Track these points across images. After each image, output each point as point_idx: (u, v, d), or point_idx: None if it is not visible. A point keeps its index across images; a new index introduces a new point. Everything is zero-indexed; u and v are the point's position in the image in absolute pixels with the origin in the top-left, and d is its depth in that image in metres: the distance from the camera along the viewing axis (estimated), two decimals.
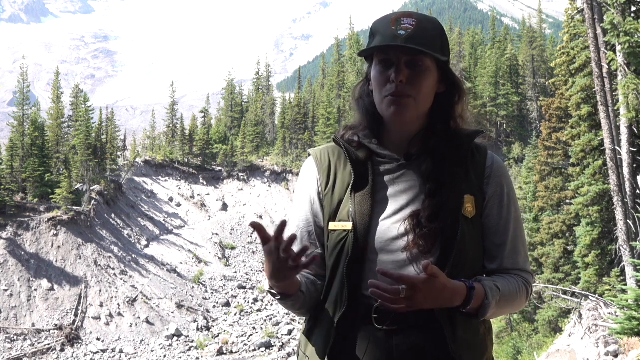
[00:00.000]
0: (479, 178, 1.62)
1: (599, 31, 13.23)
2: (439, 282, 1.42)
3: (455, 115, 1.65)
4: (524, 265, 1.65)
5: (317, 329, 1.63)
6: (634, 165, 13.30)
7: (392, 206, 1.59)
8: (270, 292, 1.58)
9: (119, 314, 29.01)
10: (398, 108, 1.55)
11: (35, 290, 28.03)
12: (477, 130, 1.66)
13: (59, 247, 30.35)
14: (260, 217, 43.22)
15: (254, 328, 29.83)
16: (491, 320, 1.68)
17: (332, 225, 1.62)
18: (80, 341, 26.83)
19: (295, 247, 1.67)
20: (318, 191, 1.68)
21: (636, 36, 12.22)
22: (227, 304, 32.93)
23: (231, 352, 27.29)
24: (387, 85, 1.55)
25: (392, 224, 1.56)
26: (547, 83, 45.43)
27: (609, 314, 11.27)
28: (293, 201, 1.75)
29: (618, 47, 12.55)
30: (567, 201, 21.33)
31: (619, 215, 12.61)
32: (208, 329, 29.94)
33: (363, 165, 1.63)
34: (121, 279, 31.12)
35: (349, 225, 1.58)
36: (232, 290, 34.60)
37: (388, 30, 1.55)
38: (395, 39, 1.53)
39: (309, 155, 1.75)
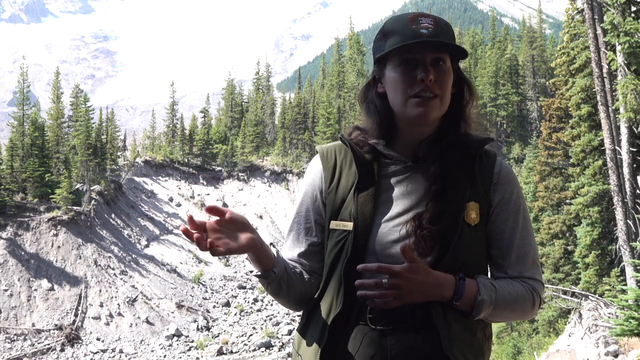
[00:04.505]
0: (486, 184, 1.60)
1: (599, 31, 13.23)
2: (421, 267, 1.43)
3: (466, 117, 1.63)
4: (531, 274, 1.61)
5: (310, 328, 1.62)
6: (634, 165, 13.30)
7: (395, 208, 1.58)
8: (254, 274, 1.61)
9: (119, 314, 29.01)
10: (426, 109, 1.53)
11: (35, 290, 28.03)
12: (487, 138, 1.64)
13: (59, 247, 30.35)
14: (260, 217, 43.24)
15: (254, 328, 29.83)
16: (492, 325, 1.67)
17: (333, 224, 1.61)
18: (80, 341, 26.83)
19: (290, 252, 1.70)
20: (322, 189, 1.67)
21: (636, 36, 12.22)
22: (227, 304, 32.93)
23: (231, 352, 27.29)
24: (413, 86, 1.53)
25: (393, 227, 1.56)
26: (547, 83, 45.45)
27: (609, 314, 11.28)
28: (297, 197, 1.76)
29: (618, 47, 12.56)
30: (567, 201, 21.33)
31: (619, 215, 12.61)
32: (208, 329, 29.94)
33: (368, 166, 1.61)
34: (121, 279, 31.12)
35: (349, 226, 1.57)
36: (232, 290, 34.61)
37: (408, 30, 1.53)
38: (419, 38, 1.51)
39: (317, 152, 1.74)
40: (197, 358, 26.70)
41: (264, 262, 1.55)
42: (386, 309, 1.46)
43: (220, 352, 27.04)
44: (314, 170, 1.71)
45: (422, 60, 1.53)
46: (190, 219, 1.43)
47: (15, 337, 25.83)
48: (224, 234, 1.47)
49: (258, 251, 1.52)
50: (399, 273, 1.40)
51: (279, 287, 1.60)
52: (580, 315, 12.24)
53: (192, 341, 28.33)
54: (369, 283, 1.42)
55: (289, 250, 1.70)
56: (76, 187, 34.43)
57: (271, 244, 1.60)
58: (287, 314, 30.65)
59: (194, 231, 1.43)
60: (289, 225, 1.72)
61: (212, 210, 1.46)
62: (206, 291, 33.73)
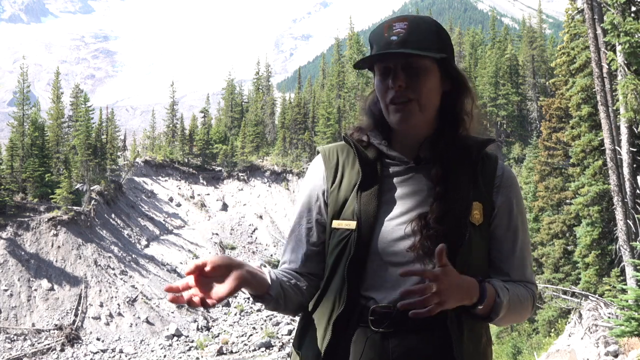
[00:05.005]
0: (488, 187, 1.60)
1: (599, 31, 13.23)
2: (453, 270, 1.40)
3: (463, 114, 1.63)
4: (530, 277, 1.64)
5: (311, 328, 1.62)
6: (634, 165, 13.30)
7: (398, 208, 1.57)
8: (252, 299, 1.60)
9: (119, 314, 29.01)
10: (403, 114, 1.54)
11: (35, 290, 28.03)
12: (488, 139, 1.64)
13: (59, 247, 30.35)
14: (260, 217, 43.23)
15: (254, 328, 29.84)
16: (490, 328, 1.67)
17: (336, 224, 1.60)
18: (80, 341, 26.83)
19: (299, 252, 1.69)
20: (324, 189, 1.67)
21: (636, 36, 12.23)
22: (227, 304, 32.92)
23: (231, 352, 27.30)
24: (388, 93, 1.55)
25: (397, 225, 1.55)
26: (547, 83, 45.45)
27: (609, 314, 11.28)
28: (297, 197, 1.76)
29: (618, 47, 12.56)
30: (567, 201, 21.33)
31: (619, 215, 12.61)
32: (208, 329, 29.95)
33: (372, 165, 1.62)
34: (121, 279, 31.12)
35: (352, 224, 1.56)
36: None
37: (382, 39, 1.55)
38: (388, 46, 1.52)
39: (319, 152, 1.74)
40: (197, 358, 26.71)
41: (258, 289, 1.53)
42: (427, 316, 1.38)
43: (220, 352, 27.04)
44: (316, 170, 1.71)
45: (394, 67, 1.54)
46: (170, 289, 1.39)
47: (15, 337, 25.83)
48: (212, 282, 1.42)
49: (249, 283, 1.49)
50: (439, 277, 1.36)
51: (277, 305, 1.59)
52: (580, 315, 12.24)
53: (192, 341, 28.34)
54: (418, 289, 1.36)
55: (292, 251, 1.69)
56: (76, 187, 34.42)
57: (262, 265, 1.58)
58: None
59: (179, 293, 1.39)
60: (291, 226, 1.72)
61: (192, 272, 1.40)
62: None
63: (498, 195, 1.61)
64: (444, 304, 1.38)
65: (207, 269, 1.41)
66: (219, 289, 1.41)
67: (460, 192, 1.56)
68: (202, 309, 27.26)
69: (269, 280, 1.56)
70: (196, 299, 1.38)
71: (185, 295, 1.39)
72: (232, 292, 1.43)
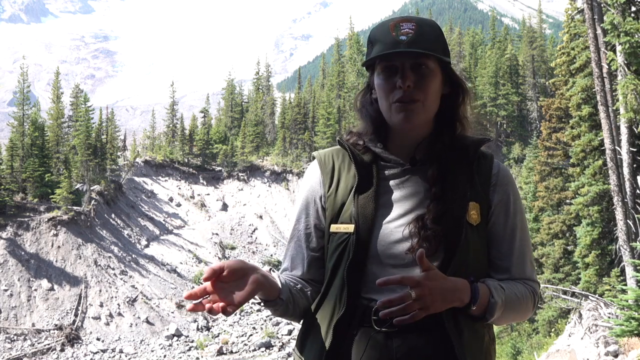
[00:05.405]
0: (485, 186, 1.61)
1: (599, 31, 13.23)
2: (438, 273, 1.41)
3: (461, 117, 1.64)
4: (531, 275, 1.63)
5: (313, 331, 1.62)
6: (634, 165, 13.31)
7: (396, 210, 1.58)
8: (263, 304, 1.59)
9: (119, 314, 29.01)
10: (407, 114, 1.54)
11: (35, 290, 28.03)
12: (483, 138, 1.65)
13: (59, 247, 30.35)
14: (260, 217, 43.23)
15: (254, 328, 29.84)
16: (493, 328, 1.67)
17: (334, 228, 1.61)
18: (80, 341, 26.83)
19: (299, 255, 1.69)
20: (321, 194, 1.67)
21: (636, 36, 12.23)
22: None
23: (231, 352, 27.30)
24: (394, 92, 1.54)
25: (395, 227, 1.55)
26: (547, 83, 45.44)
27: (609, 314, 11.28)
28: (295, 203, 1.76)
29: (618, 47, 12.56)
30: (567, 201, 21.33)
31: (619, 215, 12.61)
32: (208, 329, 29.95)
33: (367, 168, 1.62)
34: (121, 279, 31.12)
35: (351, 228, 1.57)
36: None
37: (389, 37, 1.54)
38: (397, 45, 1.52)
39: (314, 158, 1.74)
40: (197, 358, 26.70)
41: (271, 293, 1.54)
42: (412, 322, 1.40)
43: (220, 352, 27.04)
44: (312, 175, 1.71)
45: (401, 66, 1.54)
46: (190, 296, 1.39)
47: (15, 337, 25.83)
48: (229, 288, 1.42)
49: (264, 287, 1.50)
50: (421, 282, 1.37)
51: (286, 310, 1.60)
52: (580, 315, 12.24)
53: (192, 341, 28.34)
54: (396, 298, 1.37)
55: (292, 258, 1.70)
56: (76, 187, 34.43)
57: (270, 269, 1.59)
58: None
59: (198, 301, 1.40)
60: (290, 232, 1.72)
61: (210, 277, 1.40)
62: None
63: (494, 193, 1.62)
64: (428, 309, 1.39)
65: (225, 273, 1.41)
66: (238, 294, 1.42)
67: (458, 192, 1.56)
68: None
69: (280, 285, 1.57)
70: (216, 306, 1.38)
71: (206, 303, 1.39)
72: (251, 296, 1.44)
